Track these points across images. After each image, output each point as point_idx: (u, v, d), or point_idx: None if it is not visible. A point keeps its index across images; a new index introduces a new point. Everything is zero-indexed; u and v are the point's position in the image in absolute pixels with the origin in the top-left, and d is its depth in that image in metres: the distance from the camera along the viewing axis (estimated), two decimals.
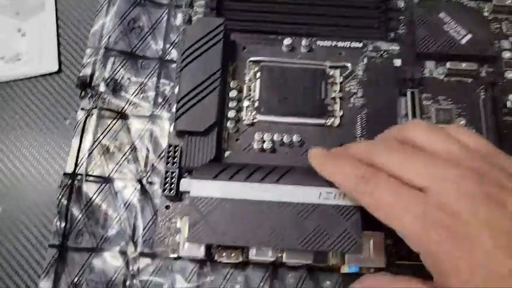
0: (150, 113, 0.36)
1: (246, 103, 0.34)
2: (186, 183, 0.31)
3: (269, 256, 0.30)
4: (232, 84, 0.35)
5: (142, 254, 0.32)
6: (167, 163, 0.32)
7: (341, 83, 0.35)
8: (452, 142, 0.25)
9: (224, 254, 0.31)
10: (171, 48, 0.38)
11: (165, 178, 0.32)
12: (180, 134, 0.33)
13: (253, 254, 0.30)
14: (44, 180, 0.36)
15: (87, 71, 0.37)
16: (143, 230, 0.33)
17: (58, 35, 0.40)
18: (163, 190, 0.31)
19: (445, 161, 0.24)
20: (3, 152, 0.36)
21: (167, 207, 0.33)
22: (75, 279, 0.32)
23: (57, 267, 0.32)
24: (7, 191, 0.35)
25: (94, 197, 0.34)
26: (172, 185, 0.31)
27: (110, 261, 0.32)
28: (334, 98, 0.34)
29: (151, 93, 0.37)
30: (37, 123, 0.37)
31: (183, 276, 0.32)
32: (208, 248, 0.31)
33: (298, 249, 0.28)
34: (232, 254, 0.31)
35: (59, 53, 0.39)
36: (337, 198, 0.28)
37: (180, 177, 0.32)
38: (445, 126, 0.27)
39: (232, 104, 0.34)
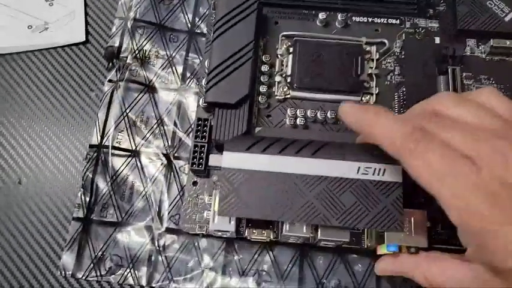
0: (178, 86, 0.35)
1: (277, 78, 0.33)
2: (215, 158, 0.30)
3: (303, 233, 0.28)
4: (264, 58, 0.33)
5: (168, 230, 0.32)
6: (196, 137, 0.31)
7: (377, 59, 0.34)
8: (484, 113, 0.23)
9: (255, 231, 0.30)
10: (200, 21, 0.37)
11: (193, 152, 0.31)
12: (210, 107, 0.32)
13: (286, 230, 0.28)
14: (69, 152, 0.35)
15: (115, 41, 0.36)
16: (169, 205, 0.32)
17: (86, 5, 0.39)
18: (192, 164, 0.30)
19: (491, 131, 0.22)
20: (27, 122, 0.35)
21: (194, 183, 0.32)
22: (99, 253, 0.31)
23: (81, 240, 0.31)
24: (31, 162, 0.34)
25: (120, 170, 0.33)
26: (201, 160, 0.30)
27: (135, 236, 0.32)
28: (370, 75, 0.33)
29: (179, 67, 0.36)
30: (63, 94, 0.36)
31: (210, 254, 0.31)
32: (238, 224, 0.30)
33: (334, 225, 0.26)
34: (263, 232, 0.30)
35: (87, 23, 0.38)
36: (377, 173, 0.27)
37: (208, 152, 0.31)
38: (477, 91, 0.25)
39: (263, 79, 0.33)
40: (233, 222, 0.29)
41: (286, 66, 0.33)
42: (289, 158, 0.27)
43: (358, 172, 0.27)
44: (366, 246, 0.29)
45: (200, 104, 0.33)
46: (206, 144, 0.31)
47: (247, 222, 0.30)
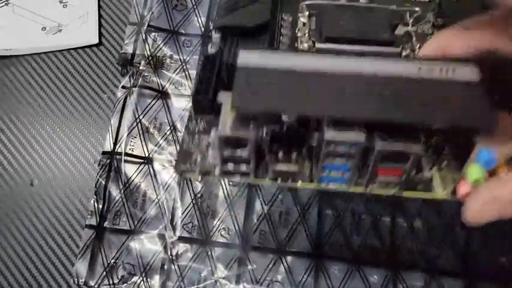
0: (192, 92, 0.35)
1: (300, 33, 0.28)
2: (224, 96, 0.22)
3: (353, 137, 0.20)
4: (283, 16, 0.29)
5: (181, 239, 0.31)
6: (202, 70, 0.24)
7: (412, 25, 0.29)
8: None
9: (281, 158, 0.22)
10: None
11: (199, 83, 0.23)
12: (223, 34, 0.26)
13: (331, 135, 0.20)
14: (83, 156, 0.35)
15: (129, 48, 0.36)
16: (182, 213, 0.32)
17: (99, 7, 0.38)
18: (196, 92, 0.23)
19: None
20: (40, 124, 0.35)
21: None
22: (112, 261, 0.31)
23: (94, 248, 0.31)
24: (45, 166, 0.34)
25: (133, 177, 0.33)
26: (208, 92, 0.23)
27: (148, 244, 0.31)
28: (407, 33, 0.29)
29: (192, 72, 0.35)
30: (75, 95, 0.36)
31: (223, 263, 0.31)
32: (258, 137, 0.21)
33: (396, 121, 0.19)
34: (292, 161, 0.22)
35: (100, 25, 0.38)
36: (446, 71, 0.20)
37: (217, 86, 0.24)
38: None
39: (284, 31, 0.28)
40: (252, 129, 0.20)
41: (310, 25, 0.28)
42: (326, 56, 0.21)
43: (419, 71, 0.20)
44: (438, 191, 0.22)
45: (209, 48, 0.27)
46: (215, 77, 0.24)
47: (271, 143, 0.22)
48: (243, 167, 0.22)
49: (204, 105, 0.23)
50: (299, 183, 0.22)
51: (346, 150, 0.20)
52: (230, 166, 0.22)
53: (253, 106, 0.19)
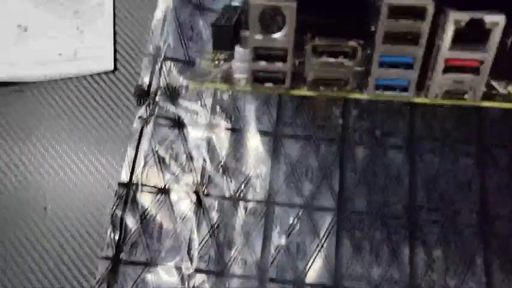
0: (208, 121, 0.34)
1: None
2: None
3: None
4: None
5: (198, 270, 0.31)
6: None
7: None
8: None
9: None
10: None
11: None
12: None
13: None
14: (95, 180, 0.35)
15: (145, 78, 0.36)
16: (199, 244, 0.32)
17: (115, 33, 0.38)
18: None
19: None
20: (55, 149, 0.35)
21: None
22: None
23: (109, 280, 0.31)
24: (60, 196, 0.34)
25: (149, 208, 0.32)
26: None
27: (164, 276, 0.31)
28: None
29: (208, 101, 0.35)
30: (91, 121, 0.36)
31: None
32: None
33: None
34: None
35: (115, 51, 0.38)
36: None
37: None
38: None
39: None
40: None
41: None
42: None
43: None
44: None
45: None
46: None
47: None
48: (278, 65, 0.19)
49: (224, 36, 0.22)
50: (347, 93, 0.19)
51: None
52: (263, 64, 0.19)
53: None
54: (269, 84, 0.20)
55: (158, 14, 0.37)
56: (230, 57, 0.23)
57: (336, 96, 0.22)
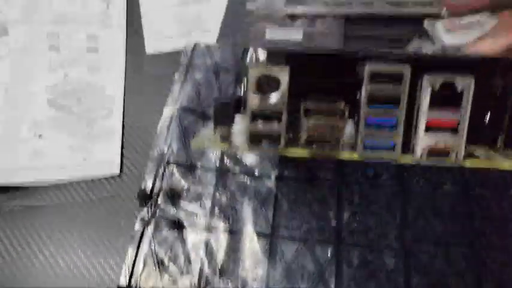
0: (207, 224, 0.36)
1: None
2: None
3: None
4: None
5: None
6: None
7: None
8: None
9: None
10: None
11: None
12: None
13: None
14: (98, 277, 0.35)
15: (148, 182, 0.37)
16: None
17: (123, 140, 0.41)
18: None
19: None
20: (56, 249, 0.36)
21: None
22: None
23: None
24: None
25: None
26: None
27: None
28: None
29: (208, 203, 0.36)
30: (93, 223, 0.37)
31: None
32: None
33: None
34: None
35: (122, 155, 0.40)
36: None
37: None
38: None
39: None
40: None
41: None
42: None
43: None
44: None
45: None
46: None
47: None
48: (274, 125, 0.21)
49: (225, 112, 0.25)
50: (338, 154, 0.21)
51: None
52: (259, 125, 0.22)
53: None
54: (265, 144, 0.22)
55: (163, 120, 0.40)
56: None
57: (328, 154, 0.23)
